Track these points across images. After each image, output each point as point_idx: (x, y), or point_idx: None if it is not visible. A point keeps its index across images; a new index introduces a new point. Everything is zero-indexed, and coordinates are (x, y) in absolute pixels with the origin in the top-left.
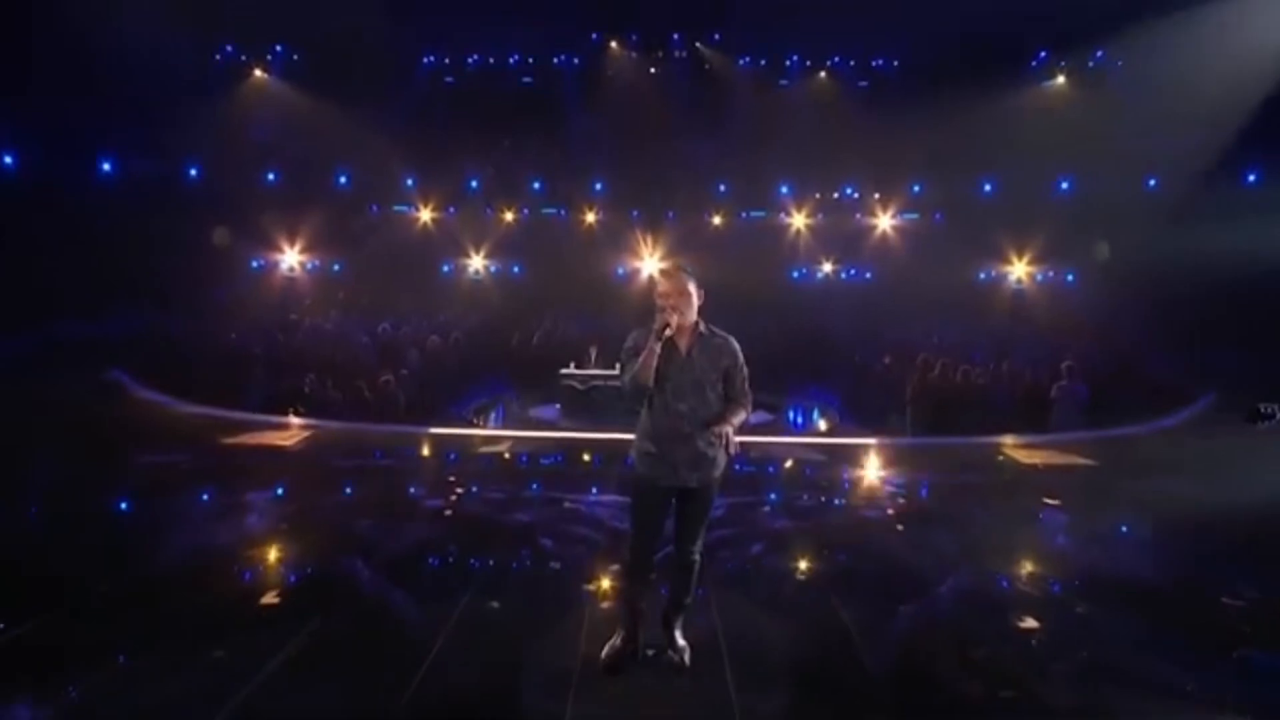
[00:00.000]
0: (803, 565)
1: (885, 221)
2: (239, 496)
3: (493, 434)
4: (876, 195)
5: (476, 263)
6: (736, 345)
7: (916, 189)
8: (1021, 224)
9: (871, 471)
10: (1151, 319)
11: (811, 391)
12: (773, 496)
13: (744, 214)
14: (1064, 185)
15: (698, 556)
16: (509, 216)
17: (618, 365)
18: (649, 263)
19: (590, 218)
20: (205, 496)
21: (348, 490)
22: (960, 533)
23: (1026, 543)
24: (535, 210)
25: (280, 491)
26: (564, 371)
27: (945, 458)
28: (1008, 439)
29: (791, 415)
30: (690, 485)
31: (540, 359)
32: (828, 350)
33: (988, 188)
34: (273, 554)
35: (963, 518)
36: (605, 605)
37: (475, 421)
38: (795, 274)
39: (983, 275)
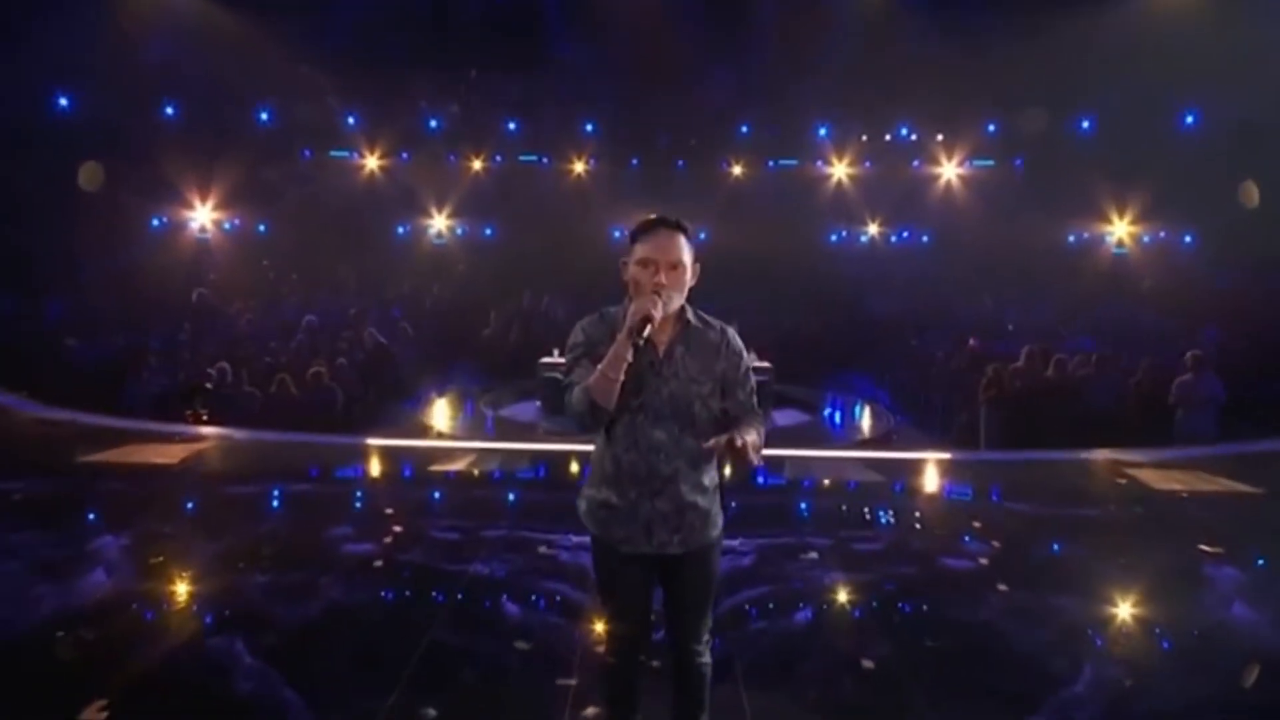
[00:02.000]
0: (869, 648)
1: (950, 170)
2: (78, 544)
3: (452, 446)
4: (940, 137)
5: (439, 223)
6: (738, 340)
7: (991, 128)
8: (1127, 171)
9: (947, 499)
10: None
11: (855, 384)
12: (818, 538)
13: (771, 162)
14: (1189, 119)
15: (705, 658)
16: (478, 165)
17: (561, 373)
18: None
19: (579, 168)
20: (27, 545)
21: (239, 531)
22: (1090, 598)
23: (1189, 617)
24: (511, 158)
25: (139, 534)
26: (545, 361)
27: (1044, 480)
28: (1126, 454)
29: (830, 415)
30: (673, 552)
31: (517, 345)
32: (873, 332)
33: (1085, 125)
34: (104, 635)
35: (1090, 573)
36: (591, 713)
37: (429, 426)
38: (833, 237)
39: (1073, 238)
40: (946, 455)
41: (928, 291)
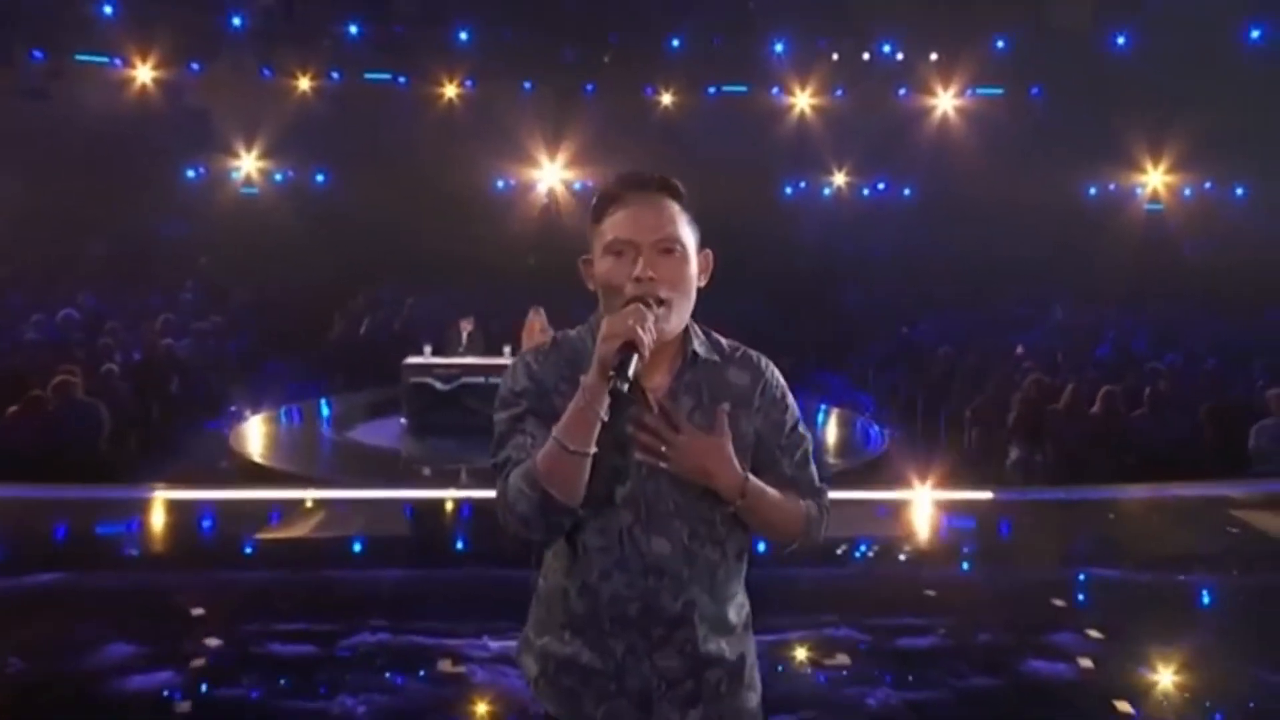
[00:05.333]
0: None
1: (947, 101)
2: None
3: (286, 496)
4: (933, 57)
5: (248, 165)
6: (778, 375)
7: (1000, 45)
8: (1172, 103)
9: (1011, 561)
10: None
11: (832, 387)
12: (844, 629)
13: (712, 89)
14: (1254, 33)
15: None
16: (305, 85)
17: (494, 445)
18: (552, 170)
19: (450, 91)
20: None
21: None
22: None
23: None
24: (353, 75)
25: None
26: (412, 361)
27: (1133, 531)
28: (1211, 488)
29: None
30: None
31: (369, 339)
32: (850, 319)
33: (1120, 41)
34: None
35: (1257, 686)
36: None
37: (246, 460)
38: (788, 189)
39: (1094, 189)
40: (988, 494)
41: (910, 262)
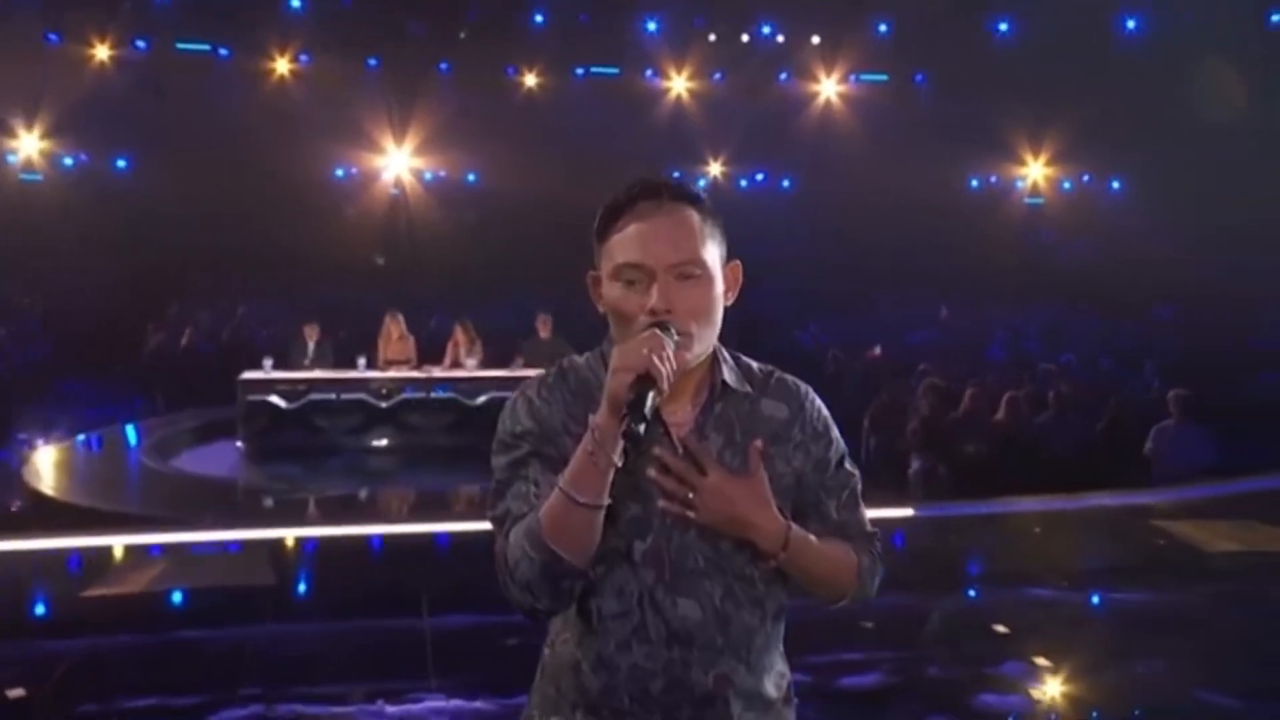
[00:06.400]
0: None
1: (830, 87)
2: None
3: (91, 542)
4: (815, 40)
5: (28, 147)
6: (816, 400)
7: (883, 29)
8: (1052, 93)
9: (939, 579)
10: None
11: None
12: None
13: (580, 70)
14: (1129, 24)
15: None
16: (103, 54)
17: (492, 496)
18: (399, 157)
19: (281, 66)
20: None
21: None
22: None
23: None
24: (162, 44)
25: None
26: (250, 377)
27: (1062, 547)
28: (1133, 497)
29: None
30: None
31: (193, 356)
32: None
33: (1003, 28)
34: None
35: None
36: None
37: (43, 497)
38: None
39: (976, 182)
40: (908, 511)
41: (798, 262)
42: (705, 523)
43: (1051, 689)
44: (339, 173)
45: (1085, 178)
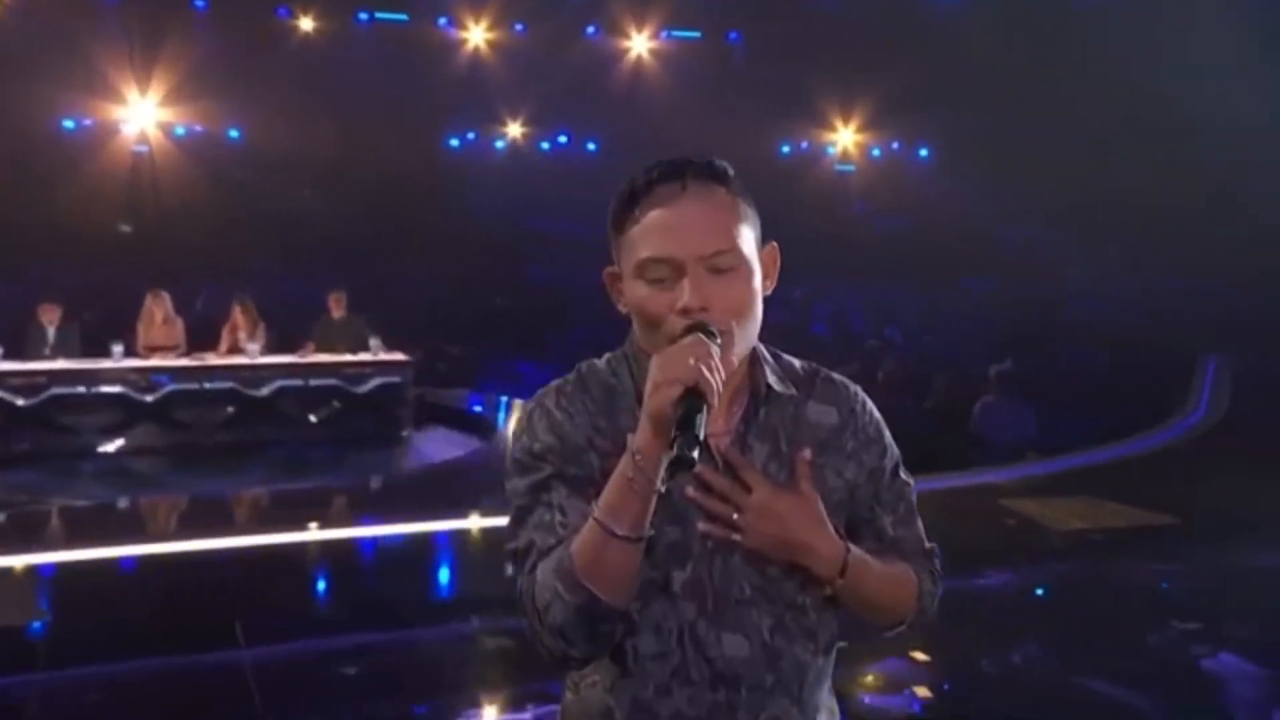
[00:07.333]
0: None
1: (641, 43)
2: None
3: None
4: None
5: None
6: (867, 402)
7: None
8: (870, 54)
9: None
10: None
11: (531, 378)
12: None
13: (364, 15)
14: None
15: None
16: None
17: (510, 525)
18: (145, 108)
19: None
20: None
21: None
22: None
23: None
24: None
25: None
26: None
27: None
28: (982, 476)
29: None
30: None
31: None
32: (540, 296)
33: None
34: None
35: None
36: None
37: None
38: (454, 141)
39: (787, 147)
40: None
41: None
42: (752, 547)
43: (933, 684)
44: (68, 124)
45: (895, 145)
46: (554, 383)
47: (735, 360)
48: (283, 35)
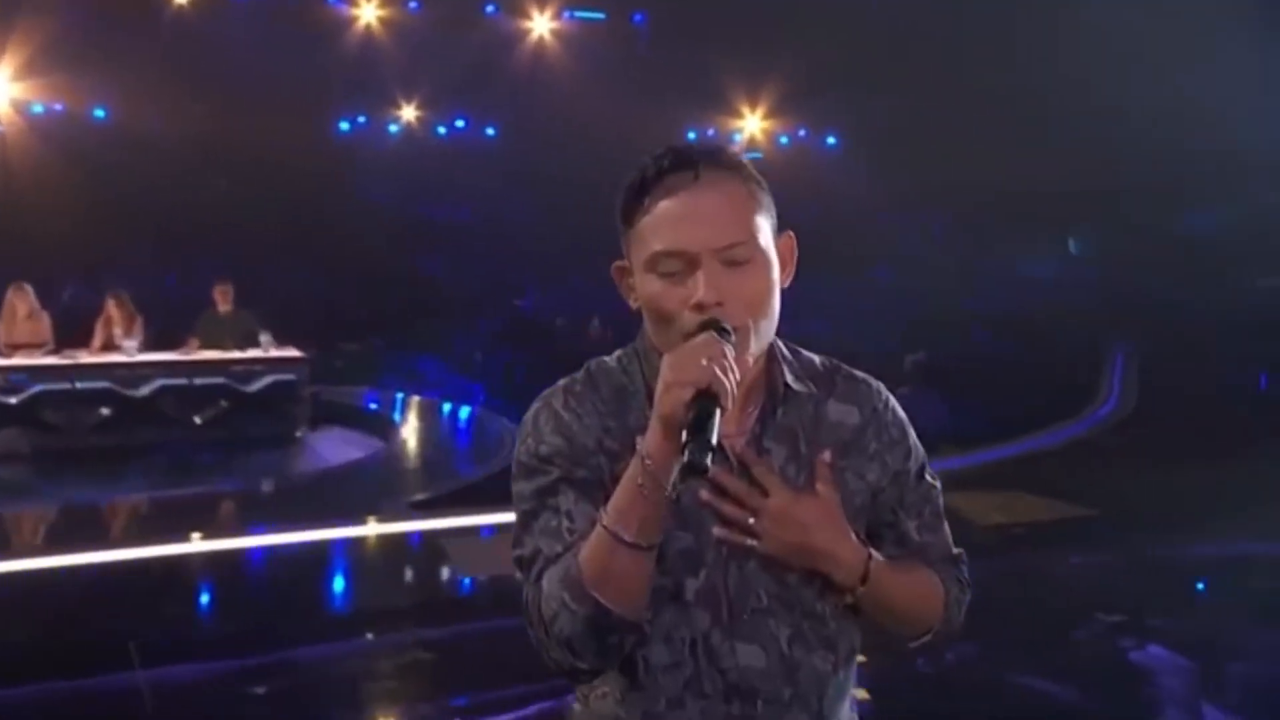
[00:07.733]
0: None
1: (543, 24)
2: None
3: None
4: None
5: None
6: (889, 400)
7: None
8: (768, 39)
9: None
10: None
11: (431, 375)
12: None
13: None
14: None
15: None
16: None
17: (516, 531)
18: None
19: None
20: None
21: None
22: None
23: None
24: None
25: None
26: None
27: None
28: None
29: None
30: None
31: None
32: (427, 287)
33: None
34: None
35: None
36: None
37: None
38: (344, 125)
39: (693, 135)
40: None
41: (506, 220)
42: (769, 553)
43: (871, 689)
44: None
45: (801, 133)
46: (561, 382)
47: (751, 360)
48: (156, 6)
